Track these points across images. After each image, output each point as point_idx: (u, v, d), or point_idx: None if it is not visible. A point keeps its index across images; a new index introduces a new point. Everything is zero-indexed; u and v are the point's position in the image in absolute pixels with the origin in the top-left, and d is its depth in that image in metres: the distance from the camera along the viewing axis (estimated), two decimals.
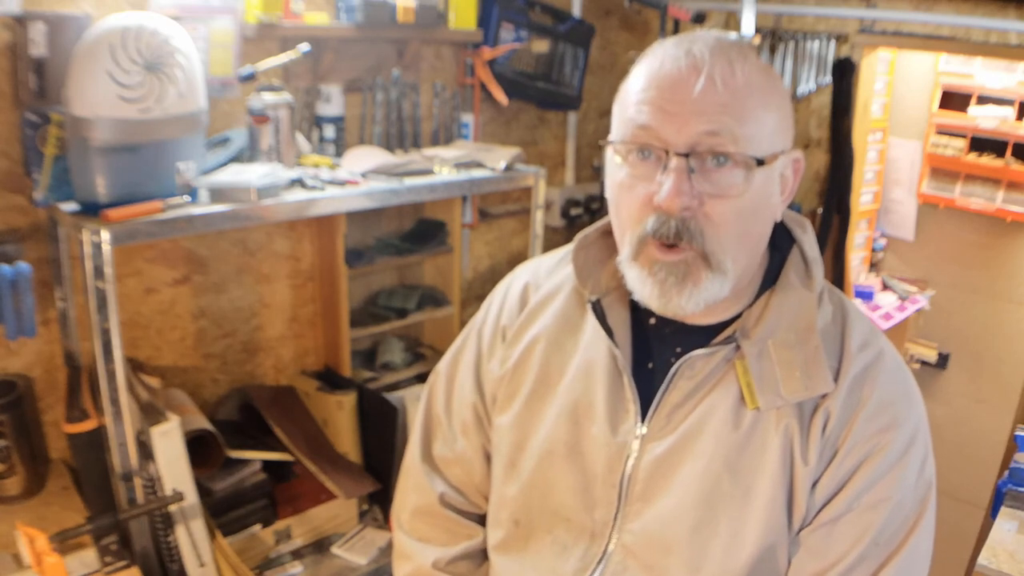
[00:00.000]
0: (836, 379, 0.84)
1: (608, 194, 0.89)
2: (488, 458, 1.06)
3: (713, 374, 0.87)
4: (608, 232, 0.94)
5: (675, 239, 0.80)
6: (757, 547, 0.83)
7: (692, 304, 0.83)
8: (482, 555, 1.06)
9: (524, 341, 0.99)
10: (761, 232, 0.86)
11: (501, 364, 1.02)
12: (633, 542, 0.88)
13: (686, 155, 0.79)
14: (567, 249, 1.00)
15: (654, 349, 0.93)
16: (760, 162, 0.81)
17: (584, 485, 0.92)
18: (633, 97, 0.83)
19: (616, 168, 0.85)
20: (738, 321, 0.88)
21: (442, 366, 1.11)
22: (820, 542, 0.83)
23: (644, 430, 0.89)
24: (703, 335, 0.89)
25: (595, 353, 0.94)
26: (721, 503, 0.84)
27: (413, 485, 1.09)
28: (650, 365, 0.92)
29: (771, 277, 0.91)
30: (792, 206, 0.94)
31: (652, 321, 0.93)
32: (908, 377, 0.89)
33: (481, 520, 1.07)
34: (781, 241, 0.92)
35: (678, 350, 0.90)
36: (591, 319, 0.94)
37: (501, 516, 1.00)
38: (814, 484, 0.84)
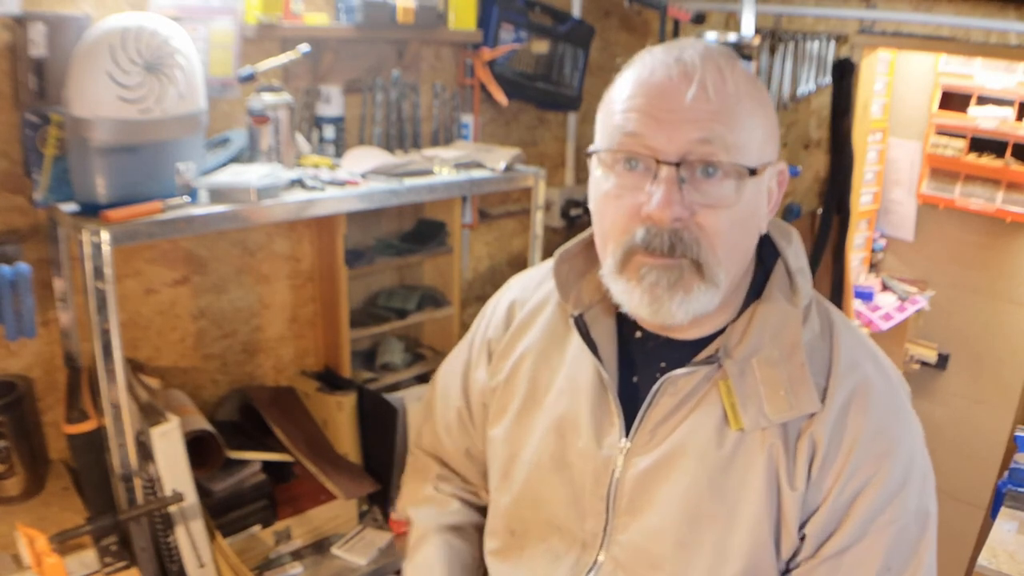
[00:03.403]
0: (823, 398, 0.82)
1: (592, 205, 0.87)
2: (471, 458, 1.10)
3: (696, 391, 0.85)
4: (590, 244, 0.93)
5: (670, 251, 0.78)
6: (742, 567, 0.82)
7: (682, 313, 0.80)
8: (471, 528, 1.11)
9: (513, 356, 1.00)
10: (749, 243, 0.85)
11: (491, 377, 1.03)
12: (622, 554, 0.88)
13: (676, 164, 0.77)
14: (551, 263, 0.99)
15: (638, 363, 0.92)
16: (752, 172, 0.79)
17: (573, 497, 0.92)
18: (620, 105, 0.81)
19: (601, 178, 0.83)
20: (721, 337, 0.86)
21: (443, 366, 1.16)
22: (829, 575, 0.82)
23: (628, 444, 0.88)
24: (687, 350, 0.87)
25: (580, 367, 0.93)
26: (705, 522, 0.83)
27: (414, 468, 1.18)
28: (635, 379, 0.91)
29: (756, 290, 0.89)
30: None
31: (637, 335, 0.92)
32: (900, 397, 0.87)
33: (469, 504, 1.12)
34: (765, 253, 0.91)
35: (662, 365, 0.88)
36: (576, 333, 0.93)
37: (497, 525, 1.01)
38: (811, 516, 0.82)
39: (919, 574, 0.82)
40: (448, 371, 1.13)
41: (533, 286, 1.04)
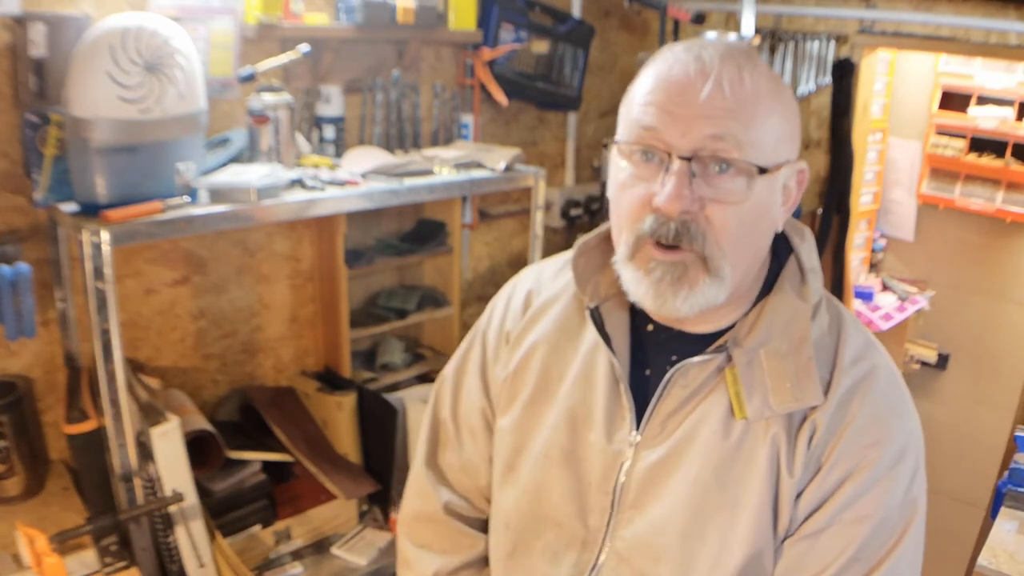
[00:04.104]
0: (827, 392, 0.83)
1: (609, 194, 0.88)
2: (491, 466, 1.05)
3: (706, 383, 0.87)
4: (609, 238, 0.93)
5: (675, 240, 0.80)
6: (744, 556, 0.83)
7: (687, 307, 0.82)
8: (485, 562, 1.06)
9: (525, 346, 0.99)
10: (761, 241, 0.86)
11: (504, 368, 1.02)
12: (625, 549, 0.88)
13: (689, 159, 0.78)
14: (569, 255, 0.99)
15: (650, 356, 0.92)
16: (763, 171, 0.80)
17: (578, 492, 0.92)
18: (639, 99, 0.83)
19: (619, 168, 0.85)
20: (732, 330, 0.87)
21: (448, 371, 1.10)
22: (801, 555, 0.83)
23: (638, 438, 0.88)
24: (699, 343, 0.88)
25: (594, 360, 0.94)
26: (710, 512, 0.84)
27: (417, 491, 1.09)
28: (647, 372, 0.92)
29: (769, 286, 0.90)
30: None
31: (649, 328, 0.93)
32: (902, 392, 0.88)
33: (485, 526, 1.07)
34: (780, 249, 0.92)
35: (673, 358, 0.89)
36: (590, 325, 0.94)
37: (495, 520, 1.01)
38: (798, 495, 0.83)
39: (893, 568, 0.82)
40: (461, 372, 1.08)
41: (548, 277, 1.04)
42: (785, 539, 0.84)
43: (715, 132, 0.78)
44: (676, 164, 0.78)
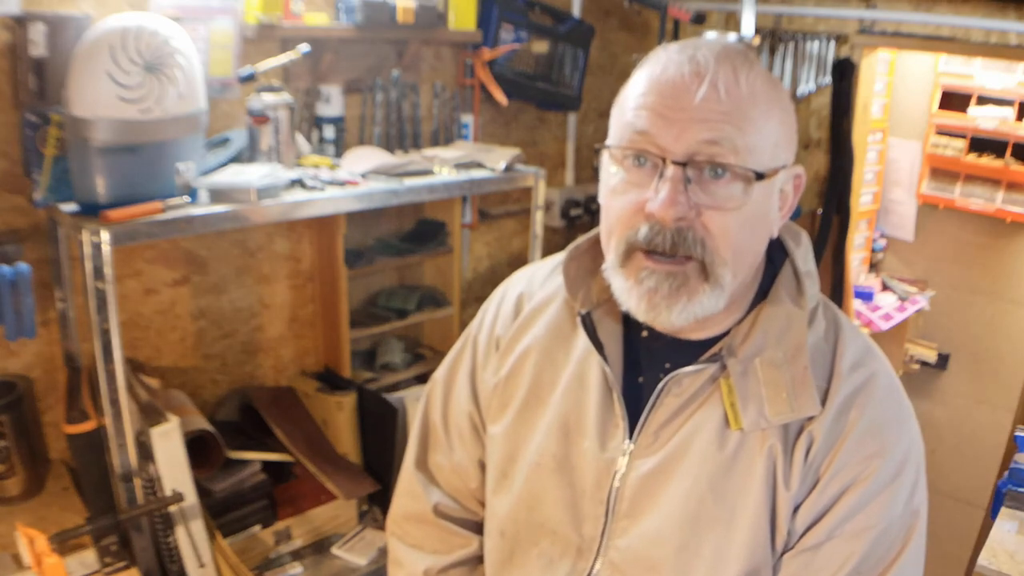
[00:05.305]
0: (824, 401, 0.82)
1: (601, 199, 0.86)
2: (484, 467, 1.05)
3: (700, 392, 0.85)
4: (600, 242, 0.91)
5: (672, 249, 0.78)
6: (741, 570, 0.81)
7: (682, 318, 0.80)
8: (476, 561, 1.06)
9: (517, 351, 0.98)
10: (758, 247, 0.84)
11: (495, 373, 1.00)
12: (619, 559, 0.87)
13: (683, 164, 0.76)
14: (561, 257, 0.97)
15: (644, 363, 0.91)
16: (760, 176, 0.78)
17: (572, 499, 0.90)
18: (632, 101, 0.80)
19: (611, 173, 0.83)
20: (726, 338, 0.85)
21: (439, 374, 1.10)
22: (800, 568, 0.82)
23: (631, 446, 0.87)
24: (693, 350, 0.86)
25: (586, 366, 0.92)
26: (705, 525, 0.83)
27: (407, 491, 1.09)
28: (640, 379, 0.90)
29: (764, 291, 0.88)
30: None
31: (644, 334, 0.91)
32: (901, 400, 0.86)
33: (476, 527, 1.07)
34: (775, 254, 0.90)
35: (667, 365, 0.87)
36: (583, 331, 0.92)
37: (490, 527, 1.00)
38: (796, 508, 0.82)
39: None
40: (451, 377, 1.08)
41: (540, 280, 1.02)
42: (784, 553, 0.83)
43: (710, 136, 0.76)
44: (670, 170, 0.76)
